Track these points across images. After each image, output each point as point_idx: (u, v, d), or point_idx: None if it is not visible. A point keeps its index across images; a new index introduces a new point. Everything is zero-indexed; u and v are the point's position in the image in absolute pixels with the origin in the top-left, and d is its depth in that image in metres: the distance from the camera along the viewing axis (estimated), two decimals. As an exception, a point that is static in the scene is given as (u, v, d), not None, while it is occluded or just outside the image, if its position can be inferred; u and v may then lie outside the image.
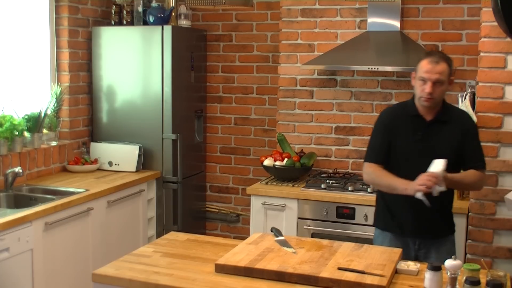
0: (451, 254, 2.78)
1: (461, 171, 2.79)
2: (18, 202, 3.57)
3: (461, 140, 2.76)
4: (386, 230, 2.89)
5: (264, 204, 3.86)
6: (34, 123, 3.91)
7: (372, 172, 2.84)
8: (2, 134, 3.62)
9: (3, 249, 2.97)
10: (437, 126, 2.77)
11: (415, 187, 2.56)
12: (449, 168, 2.64)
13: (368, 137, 4.09)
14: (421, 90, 2.71)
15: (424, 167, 2.61)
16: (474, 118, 3.24)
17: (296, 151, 4.27)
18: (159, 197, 4.43)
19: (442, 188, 2.54)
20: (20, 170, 3.60)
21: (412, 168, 2.68)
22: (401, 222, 2.83)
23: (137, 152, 4.31)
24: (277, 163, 4.05)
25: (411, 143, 2.78)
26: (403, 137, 2.80)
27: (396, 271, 2.33)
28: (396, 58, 3.90)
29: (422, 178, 2.55)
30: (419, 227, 2.79)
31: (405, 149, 2.78)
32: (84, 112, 4.51)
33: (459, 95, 3.56)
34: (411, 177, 2.64)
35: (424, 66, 2.70)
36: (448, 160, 2.65)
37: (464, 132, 2.77)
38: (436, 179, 2.52)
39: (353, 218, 3.68)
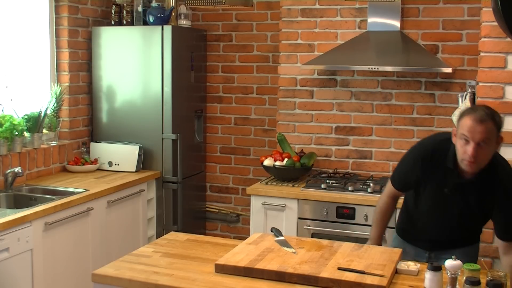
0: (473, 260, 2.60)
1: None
2: (18, 202, 3.57)
3: (495, 207, 2.47)
4: (407, 241, 2.74)
5: (264, 204, 3.85)
6: (34, 123, 3.90)
7: (381, 205, 2.77)
8: (2, 134, 3.62)
9: (3, 249, 2.97)
10: (472, 187, 2.46)
11: None
12: (471, 222, 2.58)
13: (368, 137, 4.18)
14: (463, 152, 2.35)
15: (441, 223, 2.57)
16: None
17: (296, 151, 4.26)
18: (159, 197, 4.43)
19: None
20: (20, 170, 3.60)
21: (429, 217, 2.60)
22: (424, 239, 2.67)
23: (137, 152, 4.31)
24: (277, 163, 4.05)
25: (438, 195, 2.53)
26: (432, 184, 2.54)
27: (396, 271, 2.32)
28: (396, 58, 3.91)
29: None
30: (442, 244, 2.62)
31: (429, 197, 2.57)
32: (84, 112, 4.51)
33: (459, 95, 3.57)
34: (425, 226, 2.62)
35: (466, 124, 2.32)
36: (474, 219, 2.56)
37: (501, 199, 2.45)
38: None
39: (353, 218, 3.67)
